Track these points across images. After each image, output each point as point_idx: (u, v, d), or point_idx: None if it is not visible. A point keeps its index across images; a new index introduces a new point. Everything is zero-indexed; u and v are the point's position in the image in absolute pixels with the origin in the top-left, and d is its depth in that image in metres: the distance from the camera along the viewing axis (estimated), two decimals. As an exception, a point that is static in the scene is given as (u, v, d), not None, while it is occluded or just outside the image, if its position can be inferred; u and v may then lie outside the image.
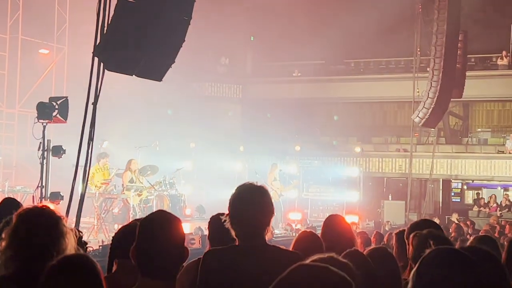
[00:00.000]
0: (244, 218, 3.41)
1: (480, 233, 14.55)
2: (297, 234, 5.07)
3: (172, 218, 3.05)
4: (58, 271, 2.51)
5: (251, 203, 3.43)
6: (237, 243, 3.45)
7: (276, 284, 2.02)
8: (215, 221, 4.39)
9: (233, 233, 3.45)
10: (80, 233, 3.75)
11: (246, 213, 3.41)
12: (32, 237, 3.05)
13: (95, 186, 15.48)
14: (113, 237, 4.02)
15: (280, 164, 20.47)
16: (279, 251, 3.52)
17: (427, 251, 2.29)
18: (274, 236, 14.45)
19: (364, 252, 4.43)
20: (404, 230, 4.62)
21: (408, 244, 4.22)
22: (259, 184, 3.53)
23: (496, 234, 15.30)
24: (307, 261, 2.24)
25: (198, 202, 21.13)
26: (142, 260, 2.96)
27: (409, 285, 2.19)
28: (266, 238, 3.52)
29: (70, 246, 3.10)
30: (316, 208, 22.78)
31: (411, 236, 4.10)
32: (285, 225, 18.09)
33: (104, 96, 8.24)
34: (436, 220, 19.39)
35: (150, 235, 2.97)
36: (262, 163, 22.71)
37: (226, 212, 3.52)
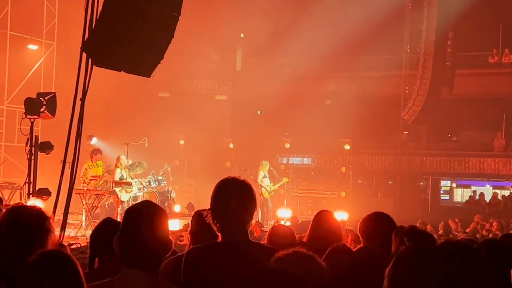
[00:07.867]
0: (226, 212, 3.37)
1: (466, 231, 14.65)
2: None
3: (157, 209, 3.04)
4: (36, 267, 2.48)
5: (233, 196, 3.38)
6: (219, 239, 3.42)
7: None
8: (199, 217, 4.39)
9: (215, 228, 3.41)
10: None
11: (228, 207, 3.36)
12: (13, 235, 3.02)
13: (84, 182, 15.43)
14: (90, 235, 4.03)
15: (270, 162, 20.44)
16: (260, 247, 3.49)
17: (401, 248, 2.36)
18: (263, 233, 14.45)
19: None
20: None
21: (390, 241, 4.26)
22: (242, 178, 3.48)
23: (484, 232, 15.38)
24: (278, 255, 2.41)
25: (187, 199, 21.14)
26: (125, 249, 2.95)
27: (385, 282, 2.26)
28: (256, 235, 3.50)
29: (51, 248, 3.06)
30: (306, 205, 22.82)
31: (393, 233, 4.14)
32: (275, 222, 18.09)
33: (92, 91, 8.20)
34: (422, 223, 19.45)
35: (135, 225, 2.96)
36: (251, 160, 22.70)
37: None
